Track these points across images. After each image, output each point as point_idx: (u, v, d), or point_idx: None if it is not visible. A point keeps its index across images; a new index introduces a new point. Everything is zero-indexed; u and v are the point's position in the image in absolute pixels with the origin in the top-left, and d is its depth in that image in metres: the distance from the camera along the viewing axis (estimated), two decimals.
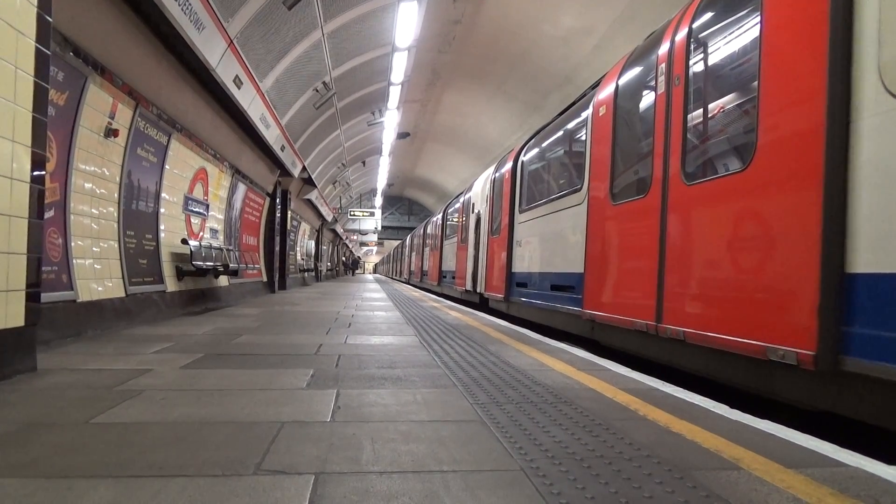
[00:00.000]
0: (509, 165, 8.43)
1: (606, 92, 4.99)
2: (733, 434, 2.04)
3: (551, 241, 6.26)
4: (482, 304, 9.91)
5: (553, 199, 6.23)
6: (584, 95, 6.06)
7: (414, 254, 24.47)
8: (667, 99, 3.86)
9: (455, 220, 13.54)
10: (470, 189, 11.83)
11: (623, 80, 4.73)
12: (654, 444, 1.91)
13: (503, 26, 13.21)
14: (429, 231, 19.08)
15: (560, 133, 6.57)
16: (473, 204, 11.04)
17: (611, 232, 4.68)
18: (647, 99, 4.28)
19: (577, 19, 12.00)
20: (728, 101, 3.48)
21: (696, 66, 3.69)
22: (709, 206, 3.35)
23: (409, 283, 25.20)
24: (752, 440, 1.97)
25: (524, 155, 7.91)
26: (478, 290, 10.08)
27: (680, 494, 1.48)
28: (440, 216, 16.46)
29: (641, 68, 4.44)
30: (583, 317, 5.02)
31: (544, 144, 7.19)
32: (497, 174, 9.28)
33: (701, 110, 3.65)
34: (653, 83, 4.12)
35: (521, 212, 7.64)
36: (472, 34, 13.83)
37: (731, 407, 2.50)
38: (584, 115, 5.59)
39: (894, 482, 1.58)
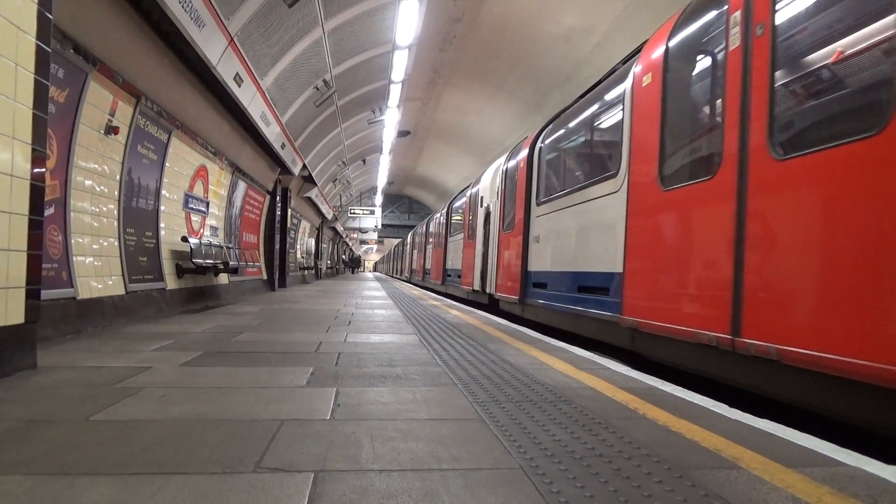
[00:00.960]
0: (524, 154, 7.57)
1: (653, 57, 4.27)
2: (733, 433, 2.04)
3: (578, 235, 5.55)
4: (492, 306, 9.19)
5: (580, 189, 5.52)
6: (613, 71, 5.43)
7: (416, 251, 24.05)
8: (744, 54, 3.14)
9: (461, 215, 12.65)
10: (478, 182, 11.01)
11: (675, 42, 4.00)
12: (653, 442, 1.91)
13: (504, 24, 13.19)
14: (432, 228, 18.53)
15: (587, 113, 5.76)
16: (482, 198, 10.20)
17: (661, 223, 3.97)
18: (714, 58, 3.59)
19: (579, 18, 11.98)
20: (841, 46, 2.65)
21: (790, 8, 2.91)
22: (817, 185, 2.57)
23: (410, 282, 25.08)
24: (751, 439, 1.97)
25: (542, 141, 7.12)
26: (487, 291, 9.37)
27: (679, 493, 1.49)
28: (444, 211, 15.73)
29: (703, 22, 3.73)
30: (622, 324, 4.33)
31: (567, 127, 6.37)
32: (510, 164, 8.47)
33: (797, 64, 2.91)
34: (722, 38, 3.41)
35: (538, 204, 6.90)
36: (472, 32, 13.81)
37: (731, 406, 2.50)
38: (619, 89, 4.86)
39: (893, 482, 1.59)
